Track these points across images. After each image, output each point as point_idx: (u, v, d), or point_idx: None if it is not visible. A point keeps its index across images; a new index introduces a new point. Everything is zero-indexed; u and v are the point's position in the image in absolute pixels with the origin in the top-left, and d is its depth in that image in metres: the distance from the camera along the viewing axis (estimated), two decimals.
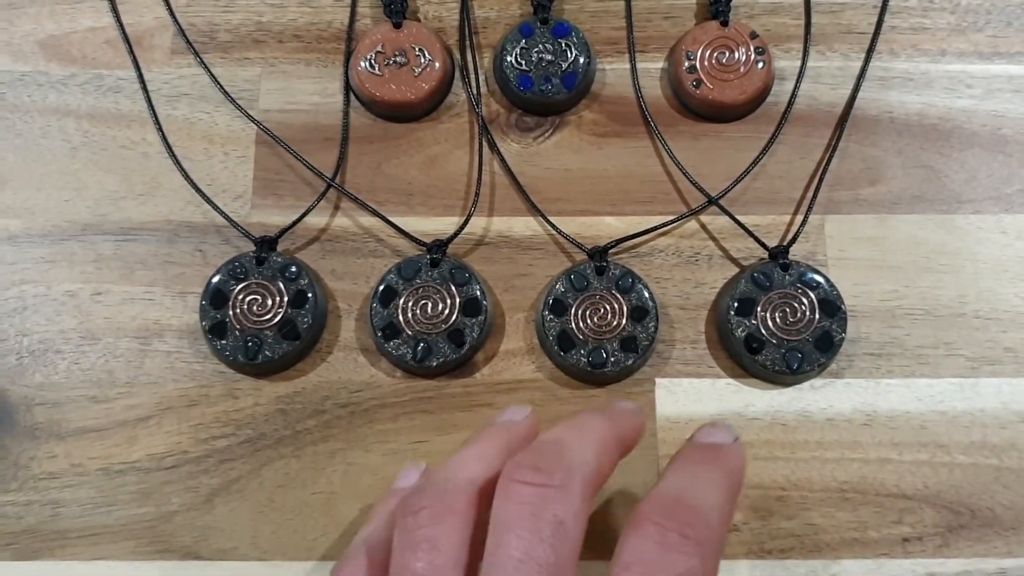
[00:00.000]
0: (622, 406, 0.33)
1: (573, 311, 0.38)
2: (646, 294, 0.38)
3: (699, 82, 0.40)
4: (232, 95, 0.42)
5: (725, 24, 0.41)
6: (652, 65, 0.42)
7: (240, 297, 0.38)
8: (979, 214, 0.40)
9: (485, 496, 0.28)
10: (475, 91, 0.42)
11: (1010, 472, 0.37)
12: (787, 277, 0.38)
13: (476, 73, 0.42)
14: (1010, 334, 0.38)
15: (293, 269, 0.38)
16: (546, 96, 0.40)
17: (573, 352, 0.37)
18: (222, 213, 0.40)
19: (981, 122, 0.41)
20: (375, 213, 0.40)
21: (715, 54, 0.41)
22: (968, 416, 0.37)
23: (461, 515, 0.28)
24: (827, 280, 0.38)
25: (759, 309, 0.38)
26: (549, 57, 0.41)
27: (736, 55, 0.41)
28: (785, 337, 0.37)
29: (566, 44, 0.41)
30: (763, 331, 0.37)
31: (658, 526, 0.27)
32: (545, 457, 0.28)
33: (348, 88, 0.42)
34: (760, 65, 0.40)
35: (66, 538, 0.37)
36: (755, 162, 0.40)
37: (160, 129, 0.41)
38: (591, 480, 0.28)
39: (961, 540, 0.36)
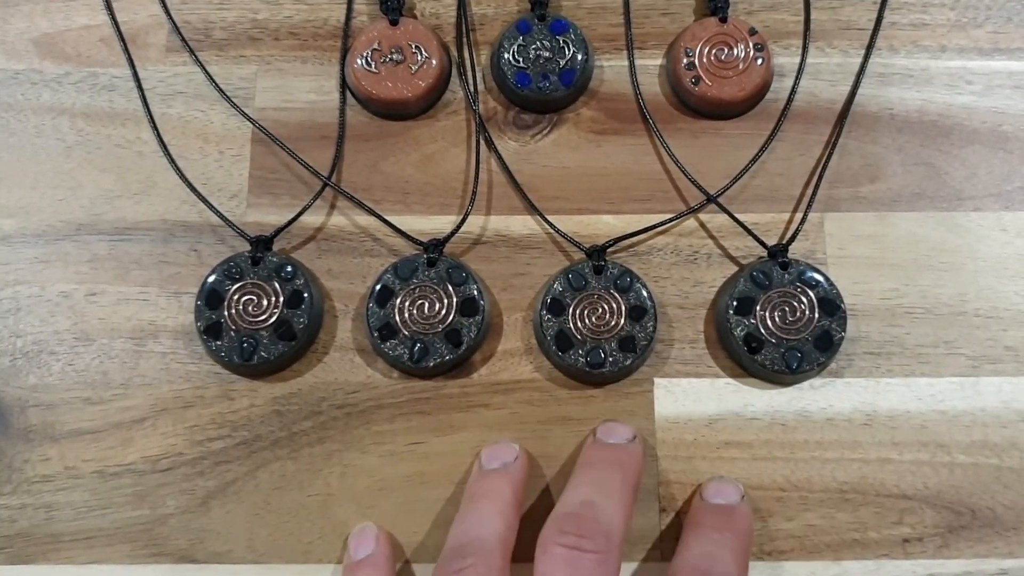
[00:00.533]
0: (620, 437, 0.35)
1: (571, 311, 0.37)
2: (644, 293, 0.38)
3: (698, 79, 0.40)
4: (227, 93, 0.41)
5: (724, 20, 0.41)
6: (650, 62, 0.42)
7: (235, 297, 0.38)
8: (979, 211, 0.40)
9: (508, 550, 0.32)
10: (472, 88, 0.41)
11: (1011, 472, 0.37)
12: (786, 276, 0.38)
13: (473, 70, 0.42)
14: (1011, 332, 0.38)
15: (289, 269, 0.38)
16: (544, 93, 0.40)
17: (571, 352, 0.37)
18: (217, 212, 0.40)
19: (981, 119, 0.41)
20: (371, 212, 0.40)
21: (714, 51, 0.40)
22: (969, 415, 0.37)
23: (501, 572, 0.31)
24: (826, 279, 0.38)
25: (758, 308, 0.37)
26: (547, 54, 0.40)
27: (735, 52, 0.40)
28: (784, 336, 0.37)
29: (564, 41, 0.41)
30: (762, 330, 0.37)
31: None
32: (585, 522, 0.31)
33: (344, 86, 0.41)
34: (759, 62, 0.40)
35: (60, 542, 0.36)
36: (754, 160, 0.40)
37: (155, 128, 0.41)
38: (622, 540, 0.32)
39: (962, 540, 0.36)
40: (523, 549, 0.33)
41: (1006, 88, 0.41)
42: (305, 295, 0.38)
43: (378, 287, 0.38)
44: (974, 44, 0.41)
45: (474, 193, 0.40)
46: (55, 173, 0.41)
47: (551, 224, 0.39)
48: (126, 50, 0.42)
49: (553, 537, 0.31)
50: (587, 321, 0.37)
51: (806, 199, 0.40)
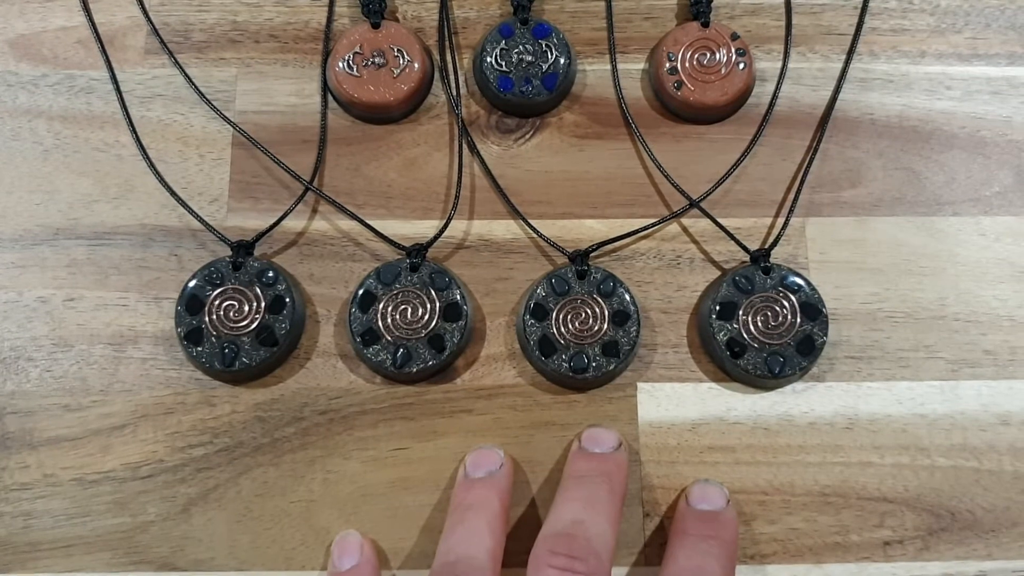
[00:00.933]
0: (605, 445, 0.35)
1: (554, 315, 0.37)
2: (628, 298, 0.38)
3: (680, 83, 0.40)
4: (207, 96, 0.41)
5: (706, 25, 0.41)
6: (633, 66, 0.42)
7: (216, 303, 0.38)
8: (958, 216, 0.40)
9: (499, 563, 0.32)
10: (455, 92, 0.41)
11: (990, 475, 0.37)
12: (769, 280, 0.38)
13: (456, 74, 0.41)
14: (989, 336, 0.38)
15: (270, 274, 0.38)
16: (526, 97, 0.40)
17: (555, 357, 0.37)
18: (198, 217, 0.39)
19: (960, 124, 0.41)
20: (354, 217, 0.40)
21: (696, 55, 0.40)
22: (948, 419, 0.38)
23: None
24: (808, 283, 0.38)
25: (741, 313, 0.37)
26: (529, 58, 0.40)
27: (717, 56, 0.40)
28: (767, 341, 0.37)
29: (546, 45, 0.41)
30: (745, 335, 0.37)
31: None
32: (576, 542, 0.31)
33: (326, 89, 0.41)
34: (741, 66, 0.40)
35: (39, 550, 0.36)
36: (736, 164, 0.40)
37: (134, 131, 0.41)
38: (612, 557, 0.32)
39: (942, 543, 0.36)
40: (507, 556, 0.33)
41: (984, 94, 0.41)
42: (287, 300, 0.38)
43: (360, 292, 0.38)
44: (953, 50, 0.42)
45: (457, 197, 0.40)
46: (32, 177, 0.40)
47: (534, 229, 0.39)
48: (104, 52, 0.42)
49: (545, 558, 0.31)
50: (570, 326, 0.37)
51: (788, 204, 0.40)
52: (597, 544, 0.32)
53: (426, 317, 0.37)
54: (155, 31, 0.42)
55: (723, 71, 0.40)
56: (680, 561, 0.33)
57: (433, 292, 0.38)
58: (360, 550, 0.35)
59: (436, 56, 0.42)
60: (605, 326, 0.37)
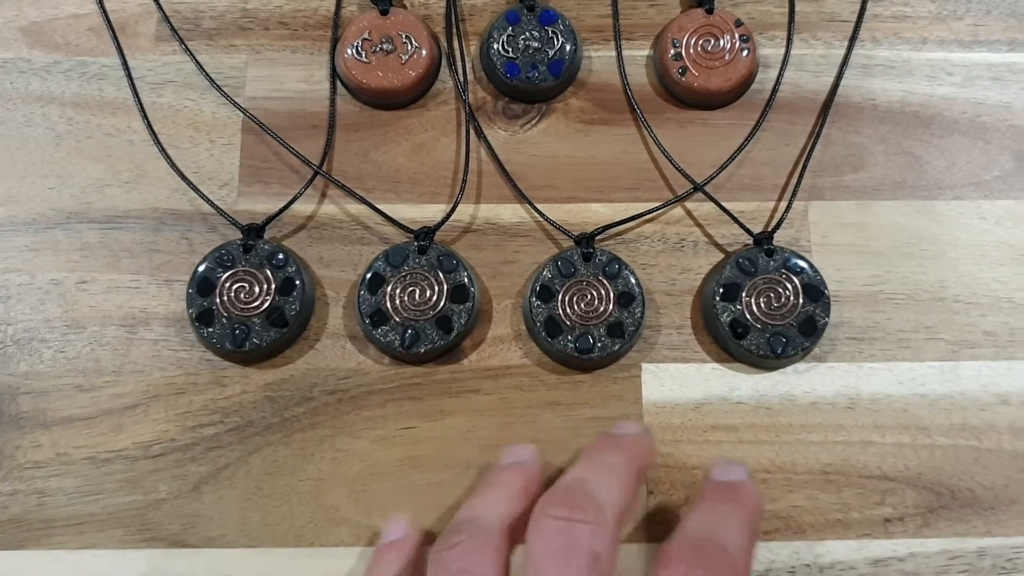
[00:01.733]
0: (629, 431, 0.34)
1: (560, 297, 0.38)
2: (632, 280, 0.38)
3: (685, 69, 0.41)
4: (218, 82, 0.41)
5: (710, 12, 0.41)
6: (638, 52, 0.42)
7: (227, 285, 0.38)
8: (959, 200, 0.40)
9: (512, 533, 0.31)
10: (462, 78, 0.42)
11: (989, 453, 0.37)
12: (771, 263, 0.38)
13: (463, 60, 0.42)
14: (989, 318, 0.39)
15: (280, 256, 0.38)
16: (533, 83, 0.41)
17: (560, 338, 0.38)
18: (208, 201, 0.40)
19: (961, 109, 0.41)
20: (362, 200, 0.40)
21: (700, 41, 0.41)
22: (948, 399, 0.38)
23: (496, 549, 0.30)
24: (811, 265, 0.38)
25: (744, 294, 0.38)
26: (536, 44, 0.41)
27: (721, 43, 0.41)
28: (770, 322, 0.38)
29: (552, 31, 0.41)
30: (748, 316, 0.38)
31: (688, 565, 0.29)
32: (576, 495, 0.30)
33: (335, 75, 0.42)
34: (745, 53, 0.41)
35: (52, 527, 0.37)
36: (740, 149, 0.41)
37: (145, 116, 0.41)
38: (619, 515, 0.30)
39: (941, 520, 0.37)
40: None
41: (985, 80, 0.42)
42: (297, 282, 0.38)
43: (369, 274, 0.38)
44: (954, 36, 0.42)
45: (464, 182, 0.40)
46: (44, 162, 0.41)
47: (540, 212, 0.40)
48: (115, 39, 0.42)
49: (545, 510, 0.30)
50: (576, 307, 0.38)
51: (791, 188, 0.40)
52: (600, 497, 0.30)
53: (434, 299, 0.38)
54: (166, 18, 0.42)
55: (727, 57, 0.41)
56: (692, 520, 0.31)
57: (441, 274, 0.38)
58: (407, 527, 0.35)
59: (443, 42, 0.42)
60: (610, 307, 0.38)
